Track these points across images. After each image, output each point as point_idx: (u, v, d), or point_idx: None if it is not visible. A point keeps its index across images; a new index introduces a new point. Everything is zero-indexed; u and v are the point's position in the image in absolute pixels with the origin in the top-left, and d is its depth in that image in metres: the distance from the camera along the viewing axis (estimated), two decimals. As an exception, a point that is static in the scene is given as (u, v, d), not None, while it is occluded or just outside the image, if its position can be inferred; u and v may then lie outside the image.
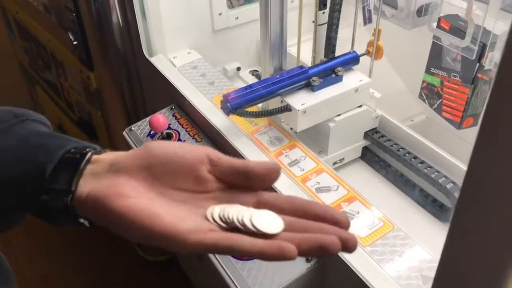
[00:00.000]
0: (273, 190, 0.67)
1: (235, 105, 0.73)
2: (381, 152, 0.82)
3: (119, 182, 0.39)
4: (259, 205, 0.40)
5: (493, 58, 0.72)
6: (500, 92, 0.31)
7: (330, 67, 0.78)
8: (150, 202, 0.38)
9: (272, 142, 0.76)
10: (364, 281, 0.56)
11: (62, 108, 1.56)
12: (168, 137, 0.81)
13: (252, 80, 1.08)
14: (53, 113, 1.69)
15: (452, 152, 0.75)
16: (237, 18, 1.05)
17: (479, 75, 0.75)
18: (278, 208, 0.39)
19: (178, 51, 1.02)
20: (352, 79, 0.78)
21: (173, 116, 0.86)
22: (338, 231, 0.36)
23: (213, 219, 0.38)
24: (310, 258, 0.63)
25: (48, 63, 1.47)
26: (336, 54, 0.83)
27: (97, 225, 0.40)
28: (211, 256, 0.64)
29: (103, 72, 1.09)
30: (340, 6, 0.77)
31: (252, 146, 0.75)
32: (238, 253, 0.37)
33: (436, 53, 0.80)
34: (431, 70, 0.83)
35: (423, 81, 0.85)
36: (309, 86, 0.77)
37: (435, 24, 0.77)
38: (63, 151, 0.41)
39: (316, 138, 0.81)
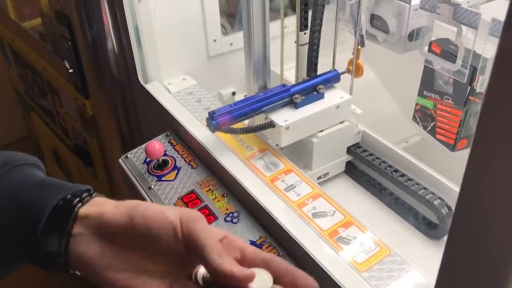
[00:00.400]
0: (268, 218, 0.67)
1: (220, 122, 0.75)
2: (364, 167, 0.85)
3: (106, 253, 0.42)
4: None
5: (484, 81, 0.73)
6: (489, 111, 0.31)
7: (312, 85, 0.81)
8: (134, 276, 0.42)
9: (267, 167, 0.77)
10: (363, 307, 0.56)
11: (57, 134, 1.56)
12: (164, 164, 0.81)
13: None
14: (48, 140, 1.69)
15: (448, 173, 0.76)
16: (231, 44, 1.07)
17: (471, 98, 0.76)
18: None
19: (174, 78, 1.02)
20: (333, 96, 0.81)
21: (169, 142, 0.87)
22: None
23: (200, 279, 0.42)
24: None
25: (43, 90, 1.48)
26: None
27: None
28: None
29: (99, 99, 1.09)
30: (320, 27, 0.81)
31: (248, 172, 0.75)
32: None
33: (428, 76, 0.81)
34: (424, 93, 0.83)
35: (417, 104, 0.86)
36: (292, 103, 0.79)
37: (426, 48, 0.78)
38: (52, 204, 0.43)
39: (300, 153, 0.83)
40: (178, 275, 0.43)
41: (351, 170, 0.87)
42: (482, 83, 0.73)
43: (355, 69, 0.82)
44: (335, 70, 0.83)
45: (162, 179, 0.79)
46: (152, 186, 0.79)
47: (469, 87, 0.75)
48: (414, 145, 1.07)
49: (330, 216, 0.68)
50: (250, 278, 0.41)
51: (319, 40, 0.82)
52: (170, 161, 0.82)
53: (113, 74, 1.03)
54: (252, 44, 0.78)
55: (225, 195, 0.75)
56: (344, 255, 0.62)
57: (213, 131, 0.76)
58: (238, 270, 0.41)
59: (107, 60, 1.01)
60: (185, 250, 0.42)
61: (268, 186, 0.72)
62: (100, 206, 0.44)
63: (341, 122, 0.82)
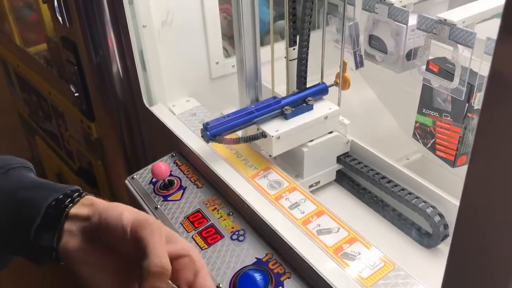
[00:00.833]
0: (274, 236, 0.68)
1: (214, 133, 0.79)
2: (353, 175, 0.88)
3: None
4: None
5: (481, 98, 0.75)
6: (486, 125, 0.33)
7: (301, 97, 0.85)
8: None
9: (271, 186, 0.78)
10: (369, 322, 0.57)
11: (62, 157, 1.58)
12: (170, 184, 0.83)
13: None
14: (52, 163, 1.70)
15: (450, 190, 0.77)
16: (233, 66, 1.09)
17: (469, 114, 0.77)
18: None
19: (177, 100, 1.05)
20: (322, 108, 0.85)
21: (174, 163, 0.88)
22: None
23: None
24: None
25: (48, 114, 1.50)
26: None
27: None
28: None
29: (104, 122, 1.11)
30: (308, 43, 0.85)
31: (252, 190, 0.76)
32: None
33: (427, 94, 0.83)
34: (423, 111, 0.85)
35: (416, 121, 0.87)
36: (282, 115, 0.83)
37: (424, 67, 0.80)
38: (46, 205, 0.48)
39: (292, 162, 0.87)
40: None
41: (341, 178, 0.90)
42: (479, 100, 0.75)
43: (343, 82, 0.86)
44: (323, 83, 0.87)
45: (168, 199, 0.81)
46: (158, 206, 0.80)
47: (467, 104, 0.76)
48: (414, 162, 1.08)
49: (334, 232, 0.69)
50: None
51: (307, 55, 0.86)
52: (175, 181, 0.84)
53: (118, 97, 1.05)
54: (244, 59, 0.82)
55: (231, 213, 0.76)
56: (350, 270, 0.63)
57: (207, 141, 0.80)
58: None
59: (112, 83, 1.03)
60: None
61: (273, 204, 0.74)
62: (90, 207, 0.48)
63: (330, 132, 0.86)
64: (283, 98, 0.85)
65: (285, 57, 0.88)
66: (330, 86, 0.87)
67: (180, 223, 0.76)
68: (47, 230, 0.47)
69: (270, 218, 0.70)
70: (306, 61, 0.87)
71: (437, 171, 0.98)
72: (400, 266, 0.63)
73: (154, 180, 0.84)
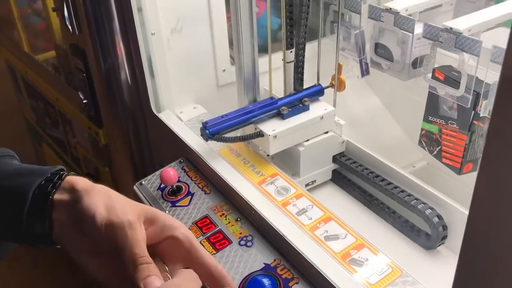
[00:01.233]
0: (282, 241, 0.68)
1: (213, 131, 0.82)
2: (349, 174, 0.90)
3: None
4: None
5: (488, 105, 0.75)
6: (495, 136, 0.33)
7: (297, 98, 0.88)
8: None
9: (279, 192, 0.79)
10: (377, 327, 0.57)
11: (68, 164, 1.59)
12: (178, 190, 0.83)
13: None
14: (59, 169, 1.71)
15: (456, 197, 0.77)
16: (240, 73, 1.10)
17: (475, 122, 0.78)
18: None
19: (184, 106, 1.06)
20: (318, 108, 0.88)
21: (182, 169, 0.89)
22: None
23: None
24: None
25: (55, 121, 1.51)
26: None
27: None
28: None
29: (112, 128, 1.12)
30: (304, 45, 0.88)
31: (260, 197, 0.77)
32: None
33: (433, 102, 0.84)
34: (429, 118, 0.86)
35: (422, 129, 0.88)
36: (279, 115, 0.86)
37: (430, 75, 0.81)
38: (31, 193, 0.48)
39: (288, 162, 0.89)
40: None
41: (337, 178, 0.92)
42: (485, 108, 0.75)
43: (338, 84, 0.89)
44: (319, 84, 0.90)
45: (176, 204, 0.81)
46: (166, 212, 0.81)
47: (473, 112, 0.77)
48: (420, 169, 1.09)
49: (342, 239, 0.69)
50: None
51: (303, 57, 0.89)
52: (183, 187, 0.84)
53: (126, 104, 1.06)
54: (242, 61, 0.86)
55: (238, 219, 0.76)
56: (358, 276, 0.63)
57: (206, 139, 0.83)
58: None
59: (120, 90, 1.04)
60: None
61: (280, 210, 0.74)
62: (71, 193, 0.49)
63: (326, 132, 0.89)
64: (280, 98, 0.88)
65: (282, 60, 0.91)
66: (326, 87, 0.90)
67: (189, 229, 0.76)
68: (37, 219, 0.48)
69: (278, 224, 0.70)
70: (303, 63, 0.90)
71: (443, 179, 0.98)
72: (407, 272, 0.63)
73: (162, 186, 0.85)
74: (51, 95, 1.44)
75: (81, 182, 0.49)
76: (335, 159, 0.90)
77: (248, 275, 0.67)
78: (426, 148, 0.89)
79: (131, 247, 0.45)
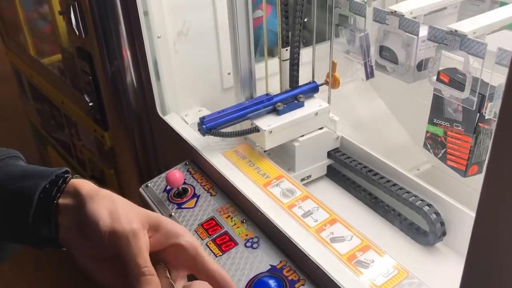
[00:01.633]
0: (288, 243, 0.68)
1: (209, 126, 0.84)
2: (343, 169, 0.91)
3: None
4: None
5: (493, 108, 0.75)
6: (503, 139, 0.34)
7: (292, 95, 0.90)
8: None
9: (284, 194, 0.79)
10: (383, 329, 0.57)
11: (73, 167, 1.60)
12: (184, 192, 0.84)
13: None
14: (64, 172, 1.72)
15: (461, 200, 0.78)
16: (245, 76, 1.11)
17: (480, 124, 0.78)
18: None
19: (190, 109, 1.06)
20: (312, 105, 0.90)
21: (187, 171, 0.89)
22: None
23: None
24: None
25: (61, 124, 1.52)
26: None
27: None
28: None
29: (118, 131, 1.13)
30: (299, 43, 0.89)
31: (266, 199, 0.77)
32: None
33: (438, 104, 0.84)
34: (434, 121, 0.86)
35: (427, 132, 0.88)
36: (275, 111, 0.88)
37: (435, 78, 0.81)
38: (37, 196, 0.48)
39: (284, 157, 0.91)
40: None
41: (332, 173, 0.94)
42: (490, 110, 0.75)
43: (332, 81, 0.91)
44: (314, 82, 0.92)
45: (182, 206, 0.82)
46: (172, 214, 0.81)
47: (478, 114, 0.77)
48: (425, 172, 1.09)
49: (347, 240, 0.69)
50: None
51: (298, 55, 0.91)
52: (189, 189, 0.85)
53: (132, 107, 1.07)
54: (239, 59, 0.88)
55: (244, 221, 0.77)
56: (364, 278, 0.63)
57: (203, 134, 0.85)
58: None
59: (126, 93, 1.05)
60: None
61: (286, 212, 0.75)
62: (74, 197, 0.48)
63: (320, 128, 0.90)
64: (276, 95, 0.90)
65: (278, 57, 0.92)
66: (321, 85, 0.92)
67: (194, 231, 0.77)
68: (43, 223, 0.48)
69: (284, 225, 0.71)
70: (298, 61, 0.91)
71: (448, 181, 0.98)
72: (414, 274, 0.64)
73: (168, 188, 0.86)
74: (56, 98, 1.45)
75: (85, 186, 0.49)
76: (329, 154, 0.92)
77: (254, 276, 0.67)
78: (431, 151, 0.89)
79: (134, 257, 0.45)
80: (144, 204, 0.88)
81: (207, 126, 0.84)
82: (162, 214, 0.82)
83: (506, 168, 0.35)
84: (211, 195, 0.83)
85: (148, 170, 1.15)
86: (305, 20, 0.92)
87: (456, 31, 0.75)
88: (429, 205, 0.76)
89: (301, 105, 0.89)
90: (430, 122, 0.87)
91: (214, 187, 0.85)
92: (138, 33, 0.95)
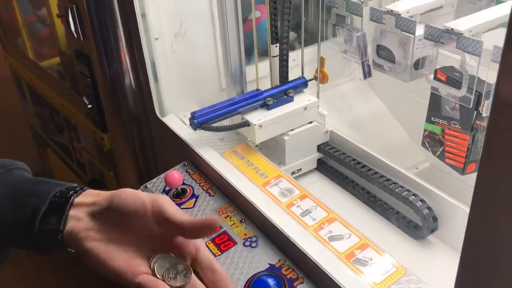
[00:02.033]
0: (287, 242, 0.69)
1: (201, 121, 0.86)
2: (333, 163, 0.93)
3: (89, 228, 0.50)
4: (193, 261, 0.52)
5: (489, 105, 0.76)
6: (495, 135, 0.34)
7: (282, 90, 0.91)
8: (103, 244, 0.50)
9: (283, 194, 0.79)
10: (382, 326, 0.57)
11: (73, 169, 1.60)
12: (183, 192, 0.84)
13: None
14: (63, 175, 1.72)
15: (460, 198, 0.78)
16: (243, 77, 1.11)
17: (477, 122, 0.78)
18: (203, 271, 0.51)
19: (188, 110, 1.06)
20: (302, 99, 0.92)
21: (186, 172, 0.90)
22: None
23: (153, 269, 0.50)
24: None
25: (60, 127, 1.52)
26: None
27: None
28: None
29: (117, 133, 1.13)
30: (288, 40, 0.91)
31: (264, 198, 0.78)
32: None
33: (435, 102, 0.84)
34: (432, 119, 0.86)
35: (425, 130, 0.88)
36: (265, 106, 0.90)
37: (432, 76, 0.81)
38: (51, 195, 0.51)
39: (274, 151, 0.93)
40: (143, 248, 0.51)
41: (322, 167, 0.95)
42: (487, 107, 0.76)
43: (321, 77, 0.92)
44: (303, 77, 0.94)
45: (181, 207, 0.82)
46: (171, 214, 0.81)
47: (475, 112, 0.77)
48: (423, 171, 1.09)
49: (346, 239, 0.70)
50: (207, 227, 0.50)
51: (287, 51, 0.92)
52: (188, 190, 0.85)
53: (130, 109, 1.07)
54: (229, 56, 0.91)
55: (243, 220, 0.77)
56: (362, 276, 0.63)
57: (195, 129, 0.86)
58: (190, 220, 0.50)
59: (125, 95, 1.05)
60: (155, 226, 0.50)
61: (285, 211, 0.75)
62: (95, 196, 0.52)
63: (310, 122, 0.92)
64: (266, 90, 0.91)
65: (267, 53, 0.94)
66: (310, 80, 0.93)
67: (193, 231, 0.77)
68: (53, 215, 0.50)
69: (282, 224, 0.71)
70: (287, 57, 0.93)
71: (446, 180, 0.98)
72: (412, 271, 0.64)
73: (167, 188, 0.86)
74: (56, 101, 1.45)
75: (101, 191, 0.53)
76: (319, 148, 0.94)
77: (253, 275, 0.67)
78: (429, 149, 0.89)
79: (180, 215, 0.50)
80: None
81: (198, 121, 0.86)
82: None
83: (499, 166, 0.35)
84: (209, 195, 0.83)
85: (147, 171, 1.16)
86: (304, 20, 0.92)
87: (452, 29, 0.75)
88: (422, 200, 0.77)
89: (290, 99, 0.91)
90: (428, 120, 0.87)
91: (212, 187, 0.85)
92: (136, 35, 0.95)
